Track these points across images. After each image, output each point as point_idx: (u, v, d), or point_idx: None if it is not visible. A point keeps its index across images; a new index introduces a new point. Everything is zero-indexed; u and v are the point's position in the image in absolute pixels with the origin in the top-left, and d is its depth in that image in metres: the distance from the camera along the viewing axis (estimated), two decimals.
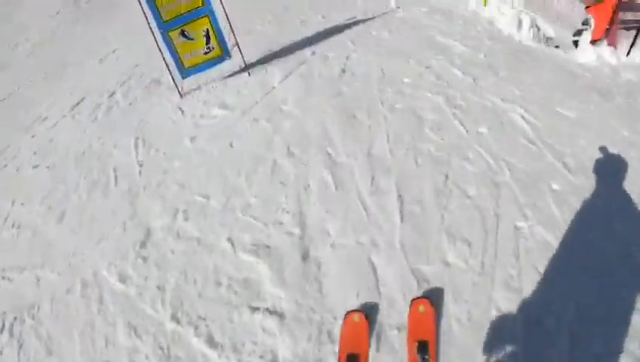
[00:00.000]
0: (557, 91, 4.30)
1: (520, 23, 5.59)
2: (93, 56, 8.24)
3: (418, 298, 2.42)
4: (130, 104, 5.99)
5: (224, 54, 5.56)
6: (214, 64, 5.61)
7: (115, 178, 4.51)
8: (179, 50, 5.34)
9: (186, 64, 5.47)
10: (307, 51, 6.09)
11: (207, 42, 5.38)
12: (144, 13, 5.01)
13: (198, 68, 5.58)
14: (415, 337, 2.16)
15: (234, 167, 4.18)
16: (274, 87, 5.38)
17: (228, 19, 5.36)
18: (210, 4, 5.10)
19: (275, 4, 8.38)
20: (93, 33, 9.71)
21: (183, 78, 5.65)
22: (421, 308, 2.34)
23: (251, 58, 6.13)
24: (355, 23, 6.70)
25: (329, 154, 4.06)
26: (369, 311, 2.54)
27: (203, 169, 4.28)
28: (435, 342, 2.21)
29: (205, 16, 5.16)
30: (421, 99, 4.51)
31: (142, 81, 6.54)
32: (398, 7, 6.94)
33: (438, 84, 4.73)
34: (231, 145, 4.52)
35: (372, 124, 4.31)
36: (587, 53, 4.77)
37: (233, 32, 5.54)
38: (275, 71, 5.74)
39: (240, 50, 5.67)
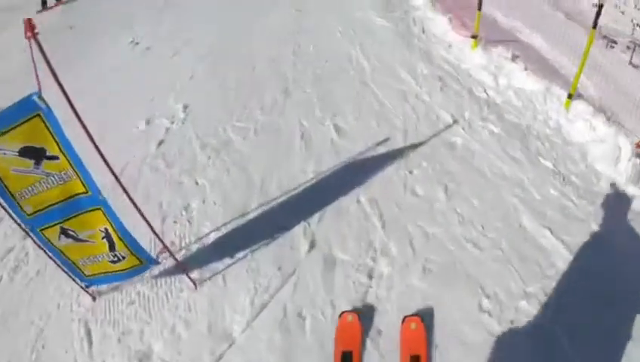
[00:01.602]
0: None
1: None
2: None
3: (410, 315, 2.43)
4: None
5: (146, 263, 2.95)
6: (133, 274, 3.02)
7: None
8: (66, 254, 2.78)
9: (87, 271, 2.94)
10: (304, 238, 3.23)
11: (112, 248, 2.78)
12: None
13: (108, 278, 3.03)
14: (408, 353, 2.22)
15: None
16: (232, 342, 2.74)
17: (145, 219, 2.73)
18: (98, 193, 2.48)
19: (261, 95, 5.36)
20: None
21: (87, 286, 3.11)
22: (413, 325, 2.35)
23: (209, 225, 3.49)
24: (387, 160, 3.88)
25: None
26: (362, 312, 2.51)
27: None
28: (426, 357, 2.25)
29: (97, 209, 2.55)
30: None
31: None
32: (456, 122, 4.09)
33: None
34: None
35: None
36: None
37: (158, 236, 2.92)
38: (240, 291, 2.96)
39: (175, 258, 3.04)
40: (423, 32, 6.47)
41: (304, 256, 3.07)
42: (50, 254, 2.83)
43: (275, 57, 5.83)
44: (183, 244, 3.35)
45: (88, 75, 6.95)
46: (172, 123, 4.84)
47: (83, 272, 2.98)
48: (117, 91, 5.94)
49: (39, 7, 10.86)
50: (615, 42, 5.51)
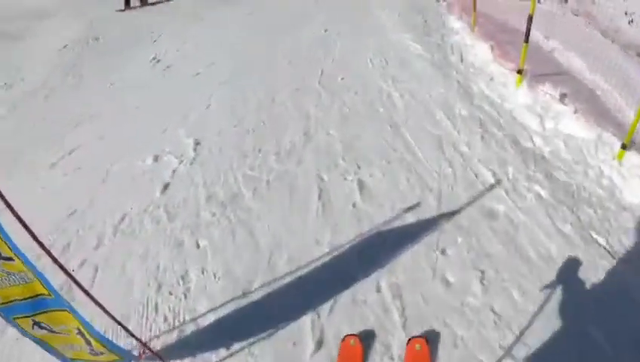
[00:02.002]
0: None
1: None
2: None
3: (415, 337, 2.41)
4: None
5: (124, 360, 2.52)
6: None
7: None
8: (45, 341, 2.39)
9: (69, 355, 2.54)
10: (311, 333, 2.65)
11: (88, 344, 2.35)
12: None
13: None
14: None
15: None
16: None
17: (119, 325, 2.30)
18: (59, 296, 2.04)
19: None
20: None
21: None
22: (417, 346, 2.33)
23: (206, 303, 2.95)
24: (416, 232, 3.23)
25: None
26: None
27: None
28: None
29: (64, 311, 2.12)
30: None
31: None
32: (498, 182, 3.49)
33: None
34: None
35: None
36: None
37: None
38: None
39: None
40: (462, 61, 5.84)
41: (309, 358, 2.55)
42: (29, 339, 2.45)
43: (299, 87, 5.34)
44: (177, 323, 2.90)
45: (105, 91, 6.69)
46: (180, 162, 4.43)
47: (66, 356, 2.59)
48: (130, 114, 5.62)
49: (121, 7, 10.92)
50: None
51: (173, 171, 4.31)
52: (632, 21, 4.90)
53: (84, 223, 3.72)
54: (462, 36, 6.91)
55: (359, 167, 3.80)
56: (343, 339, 2.46)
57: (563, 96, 4.76)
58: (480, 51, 6.20)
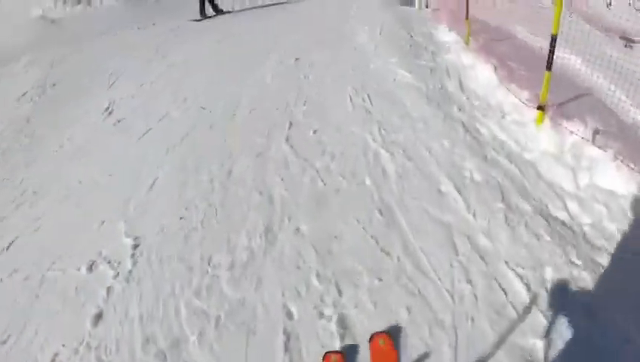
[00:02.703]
0: None
1: None
2: None
3: (377, 333, 2.27)
4: None
5: None
6: None
7: None
8: None
9: None
10: None
11: None
12: None
13: None
14: None
15: None
16: None
17: None
18: None
19: None
20: None
21: None
22: (380, 341, 2.22)
23: None
24: None
25: None
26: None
27: None
28: None
29: None
30: None
31: None
32: (534, 301, 2.41)
33: None
34: None
35: None
36: None
37: None
38: None
39: None
40: (462, 89, 4.70)
41: None
42: None
43: (261, 150, 4.21)
44: None
45: (52, 158, 5.57)
46: (116, 275, 3.32)
47: None
48: (73, 192, 4.54)
49: (198, 17, 10.32)
50: None
51: (108, 290, 3.21)
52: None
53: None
54: (456, 53, 5.75)
55: (340, 292, 2.66)
56: (325, 356, 2.23)
57: (595, 134, 3.64)
58: (482, 74, 5.04)
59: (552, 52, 3.50)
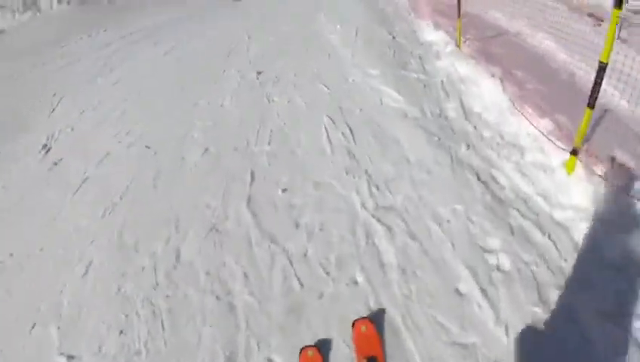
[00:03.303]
0: None
1: None
2: None
3: (359, 319, 2.22)
4: None
5: None
6: None
7: None
8: None
9: None
10: None
11: None
12: None
13: None
14: (363, 355, 2.09)
15: None
16: None
17: None
18: None
19: None
20: None
21: None
22: (363, 327, 2.18)
23: None
24: None
25: None
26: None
27: None
28: (383, 357, 2.10)
29: None
30: None
31: None
32: None
33: None
34: None
35: None
36: None
37: None
38: None
39: None
40: (466, 115, 3.74)
41: None
42: None
43: (215, 222, 3.17)
44: None
45: None
46: None
47: None
48: (2, 271, 3.45)
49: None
50: None
51: None
52: None
53: None
54: (449, 60, 4.75)
55: None
56: (302, 351, 2.17)
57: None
58: (486, 90, 4.07)
59: (598, 84, 2.53)
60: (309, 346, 2.20)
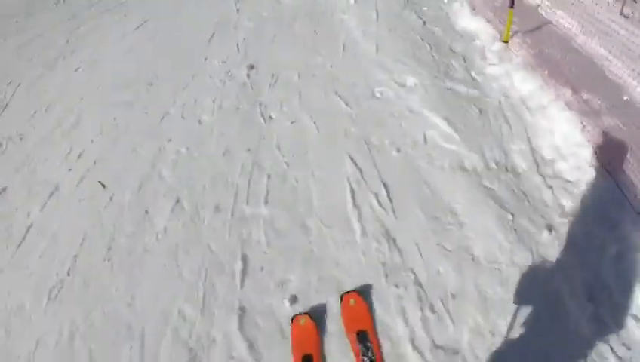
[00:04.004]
0: None
1: None
2: None
3: (347, 292, 2.13)
4: None
5: None
6: None
7: None
8: None
9: None
10: None
11: None
12: None
13: None
14: (353, 329, 2.01)
15: None
16: None
17: None
18: None
19: None
20: None
21: None
22: (352, 301, 2.10)
23: None
24: None
25: None
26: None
27: None
28: (373, 330, 2.00)
29: None
30: None
31: None
32: None
33: None
34: None
35: None
36: None
37: None
38: None
39: None
40: (534, 159, 2.82)
41: None
42: None
43: (194, 347, 2.07)
44: None
45: None
46: None
47: None
48: None
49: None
50: None
51: None
52: None
53: None
54: (503, 67, 3.55)
55: None
56: (294, 319, 2.07)
57: None
58: (558, 128, 2.94)
59: None
60: (301, 314, 2.09)
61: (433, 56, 3.82)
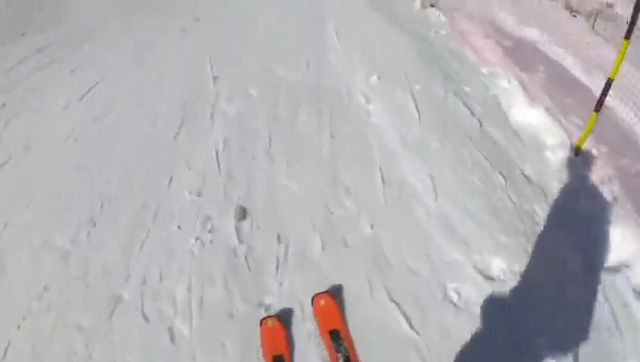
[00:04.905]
0: None
1: None
2: None
3: (318, 294, 2.11)
4: None
5: None
6: None
7: None
8: None
9: None
10: None
11: None
12: None
13: None
14: (326, 329, 2.00)
15: None
16: None
17: None
18: None
19: None
20: None
21: None
22: (322, 302, 2.08)
23: None
24: None
25: None
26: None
27: None
28: (345, 329, 2.01)
29: None
30: None
31: None
32: None
33: None
34: None
35: None
36: None
37: None
38: None
39: None
40: None
41: None
42: None
43: None
44: None
45: None
46: None
47: None
48: None
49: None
50: None
51: None
52: None
53: None
54: (603, 221, 2.42)
55: None
56: (262, 322, 2.02)
57: None
58: None
59: None
60: (270, 316, 2.03)
61: (510, 198, 2.57)
